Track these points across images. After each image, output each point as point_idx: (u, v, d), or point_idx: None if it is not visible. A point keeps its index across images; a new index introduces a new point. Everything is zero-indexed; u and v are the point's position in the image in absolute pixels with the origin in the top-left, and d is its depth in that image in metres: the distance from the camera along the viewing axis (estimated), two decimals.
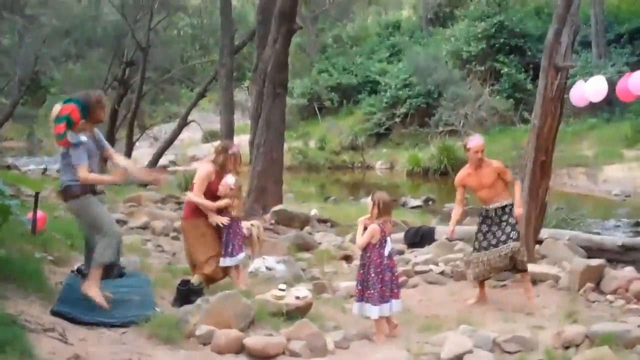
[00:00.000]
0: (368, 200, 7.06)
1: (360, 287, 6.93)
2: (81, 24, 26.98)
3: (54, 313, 6.03)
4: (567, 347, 6.21)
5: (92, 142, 6.56)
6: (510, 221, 8.37)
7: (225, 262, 7.66)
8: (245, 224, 9.54)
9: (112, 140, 23.79)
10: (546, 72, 9.66)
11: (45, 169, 27.11)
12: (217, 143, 8.66)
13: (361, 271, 6.96)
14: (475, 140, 8.54)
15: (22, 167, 27.42)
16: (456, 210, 8.81)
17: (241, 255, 7.90)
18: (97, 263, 6.40)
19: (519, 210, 8.39)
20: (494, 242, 8.40)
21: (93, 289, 6.33)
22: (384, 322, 6.90)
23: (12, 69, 27.32)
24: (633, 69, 8.17)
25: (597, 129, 28.93)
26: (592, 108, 24.57)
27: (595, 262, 9.06)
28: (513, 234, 8.31)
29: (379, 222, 6.88)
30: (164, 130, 34.70)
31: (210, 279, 7.58)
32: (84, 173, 6.32)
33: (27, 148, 42.86)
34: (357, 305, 6.97)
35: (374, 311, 6.79)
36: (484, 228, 8.53)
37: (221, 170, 7.78)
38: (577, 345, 6.21)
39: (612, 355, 5.68)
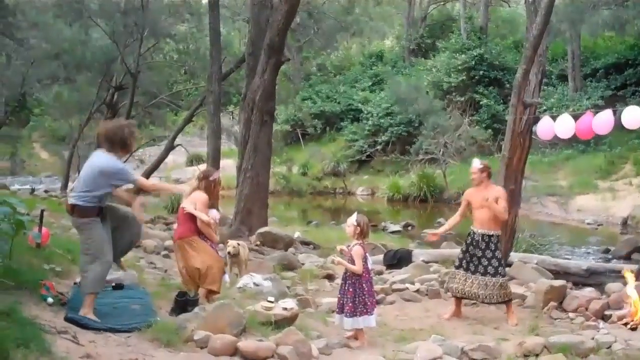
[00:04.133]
0: (351, 220, 7.76)
1: (354, 304, 7.59)
2: (71, 48, 27.43)
3: (68, 320, 6.59)
4: (527, 356, 6.88)
5: None
6: (497, 255, 9.02)
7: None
8: (232, 243, 10.24)
9: None
10: (515, 108, 10.46)
11: (33, 189, 27.55)
12: (202, 166, 9.36)
13: (351, 289, 7.63)
14: (473, 163, 9.28)
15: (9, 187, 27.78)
16: (453, 218, 9.52)
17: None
18: (88, 291, 6.86)
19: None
20: (481, 269, 9.01)
21: (90, 315, 6.79)
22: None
23: None
24: (607, 103, 8.97)
25: (572, 159, 29.73)
26: (568, 140, 25.40)
27: (558, 282, 9.85)
28: (501, 270, 9.02)
29: (360, 242, 7.66)
30: (148, 153, 35.20)
31: (214, 293, 8.27)
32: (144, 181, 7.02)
33: (10, 168, 42.92)
34: (356, 320, 7.61)
35: (371, 320, 7.63)
36: (471, 250, 9.12)
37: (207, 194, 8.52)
38: (537, 355, 6.88)
39: None
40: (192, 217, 8.33)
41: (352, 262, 7.61)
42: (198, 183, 8.58)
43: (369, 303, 7.60)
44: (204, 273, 8.21)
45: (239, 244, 10.51)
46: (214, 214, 8.79)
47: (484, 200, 8.95)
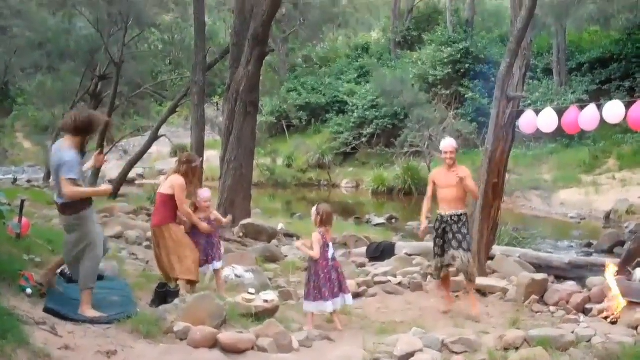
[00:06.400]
0: (313, 211, 8.08)
1: (309, 289, 7.91)
2: (54, 37, 27.26)
3: (47, 310, 6.55)
4: (507, 349, 6.88)
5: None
6: (462, 231, 9.08)
7: (215, 266, 8.64)
8: None
9: (82, 152, 24.08)
10: (499, 101, 10.45)
11: (15, 179, 27.37)
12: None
13: (310, 274, 7.95)
14: (444, 142, 9.31)
15: None
16: (425, 204, 9.48)
17: (219, 263, 8.70)
18: (85, 288, 6.83)
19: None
20: (455, 245, 9.07)
21: (90, 312, 6.76)
22: (337, 315, 8.01)
23: None
24: (592, 97, 8.99)
25: (556, 153, 29.81)
26: (553, 134, 25.48)
27: (539, 276, 9.88)
28: (464, 245, 9.06)
29: (320, 230, 7.92)
30: (132, 143, 35.05)
31: (192, 283, 8.21)
32: (69, 187, 6.62)
33: None
34: (310, 304, 7.91)
35: (328, 306, 7.84)
36: (440, 234, 9.17)
37: (185, 180, 8.40)
38: (517, 348, 6.87)
39: (545, 355, 6.38)
40: (168, 204, 8.23)
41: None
42: (179, 166, 8.49)
43: (324, 290, 7.82)
44: (177, 264, 8.14)
45: None
46: (205, 193, 8.78)
47: (454, 180, 8.97)
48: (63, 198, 6.78)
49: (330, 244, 8.04)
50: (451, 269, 9.38)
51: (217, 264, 8.79)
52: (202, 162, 9.20)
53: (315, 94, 41.13)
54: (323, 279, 7.84)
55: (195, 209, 8.68)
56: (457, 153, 9.37)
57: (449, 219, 9.10)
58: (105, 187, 7.00)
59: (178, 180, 8.32)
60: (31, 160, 41.41)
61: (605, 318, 8.46)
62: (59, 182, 6.76)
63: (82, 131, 6.86)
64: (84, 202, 6.82)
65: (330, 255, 7.97)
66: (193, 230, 8.57)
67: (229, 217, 9.21)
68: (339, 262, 8.27)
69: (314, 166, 36.40)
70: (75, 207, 6.78)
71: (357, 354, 6.49)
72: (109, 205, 16.46)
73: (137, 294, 8.06)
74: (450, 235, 9.09)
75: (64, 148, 6.80)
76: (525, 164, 28.80)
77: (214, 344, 6.31)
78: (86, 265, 6.82)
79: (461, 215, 9.11)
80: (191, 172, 8.46)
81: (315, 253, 7.86)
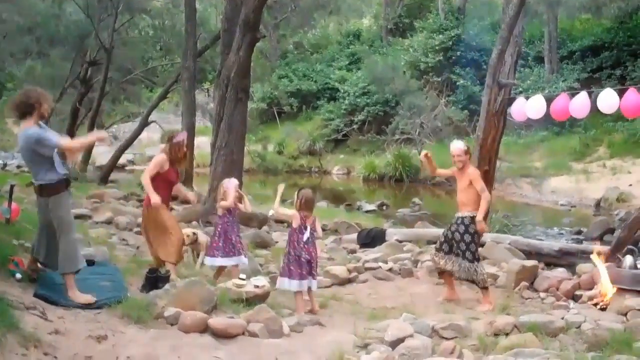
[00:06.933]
0: (295, 195, 8.31)
1: (284, 266, 8.15)
2: (44, 22, 27.05)
3: (37, 296, 6.51)
4: (497, 335, 6.91)
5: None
6: (465, 239, 8.91)
7: (241, 260, 8.90)
8: (187, 232, 9.78)
9: (72, 138, 24.00)
10: (490, 89, 10.47)
11: (4, 164, 27.25)
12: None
13: (285, 252, 8.21)
14: (452, 145, 9.26)
15: None
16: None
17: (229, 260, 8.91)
18: (65, 272, 6.75)
19: (479, 225, 8.89)
20: (455, 251, 9.00)
21: (79, 296, 6.72)
22: (302, 297, 8.09)
23: None
24: (583, 85, 8.98)
25: (547, 141, 29.83)
26: (543, 121, 25.48)
27: (529, 263, 9.93)
28: (468, 255, 8.89)
29: (301, 212, 8.10)
30: (122, 129, 34.92)
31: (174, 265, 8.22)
32: (66, 144, 6.66)
33: None
34: (279, 280, 8.20)
35: (294, 285, 8.00)
36: (447, 232, 9.17)
37: (171, 158, 8.38)
38: (507, 334, 6.91)
39: (535, 340, 6.43)
40: (160, 186, 8.19)
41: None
42: (165, 146, 8.52)
43: (292, 269, 8.00)
44: (161, 245, 8.11)
45: (194, 233, 10.17)
46: (233, 182, 9.01)
47: (464, 183, 8.96)
48: (40, 180, 6.71)
49: (308, 228, 8.12)
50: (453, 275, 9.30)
51: (228, 260, 8.89)
52: (187, 138, 9.14)
53: (306, 80, 41.06)
54: (292, 258, 8.02)
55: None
56: (468, 155, 9.22)
57: (455, 221, 9.05)
58: (98, 133, 6.98)
59: (158, 156, 8.42)
60: None
61: (595, 304, 8.50)
62: (33, 165, 6.74)
63: (23, 111, 6.67)
64: (61, 184, 6.74)
65: (305, 238, 8.06)
66: (229, 220, 8.84)
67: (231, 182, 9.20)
68: (313, 250, 8.22)
69: (305, 153, 36.40)
70: (53, 188, 6.70)
71: (348, 339, 6.52)
72: (99, 191, 16.43)
73: (128, 279, 8.05)
74: (459, 240, 8.96)
75: (25, 128, 6.65)
76: (516, 152, 28.85)
77: (204, 329, 6.31)
78: (62, 250, 6.73)
79: (465, 217, 8.94)
80: (174, 149, 8.41)
81: (276, 206, 8.46)
